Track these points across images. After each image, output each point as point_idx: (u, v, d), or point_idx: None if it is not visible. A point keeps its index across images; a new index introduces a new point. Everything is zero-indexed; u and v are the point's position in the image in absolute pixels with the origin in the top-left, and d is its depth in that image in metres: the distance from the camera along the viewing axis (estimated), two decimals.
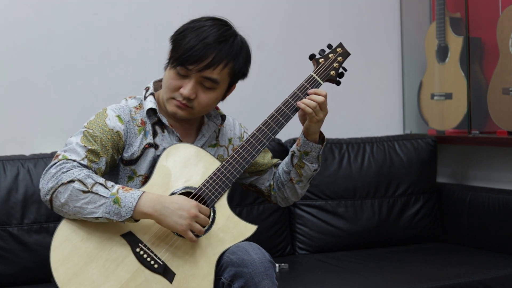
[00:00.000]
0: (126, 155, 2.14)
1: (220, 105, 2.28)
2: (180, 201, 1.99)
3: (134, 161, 2.14)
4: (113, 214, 1.96)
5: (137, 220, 2.00)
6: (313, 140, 2.21)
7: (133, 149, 2.14)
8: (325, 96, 2.15)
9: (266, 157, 2.33)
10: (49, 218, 2.68)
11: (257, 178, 2.33)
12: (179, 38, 2.10)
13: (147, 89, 2.23)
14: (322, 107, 2.14)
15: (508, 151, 3.23)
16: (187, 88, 2.08)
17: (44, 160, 2.75)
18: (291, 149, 2.26)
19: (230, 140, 2.31)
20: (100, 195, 1.97)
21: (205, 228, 2.05)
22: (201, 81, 2.10)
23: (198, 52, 2.05)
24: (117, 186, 2.00)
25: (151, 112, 2.18)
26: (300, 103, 2.13)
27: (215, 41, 2.07)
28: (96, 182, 1.98)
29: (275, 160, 2.36)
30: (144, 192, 2.00)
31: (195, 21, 2.15)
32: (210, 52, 2.06)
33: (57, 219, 2.04)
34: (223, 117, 2.30)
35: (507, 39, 3.05)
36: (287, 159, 2.28)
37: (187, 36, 2.08)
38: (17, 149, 2.88)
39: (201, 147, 2.19)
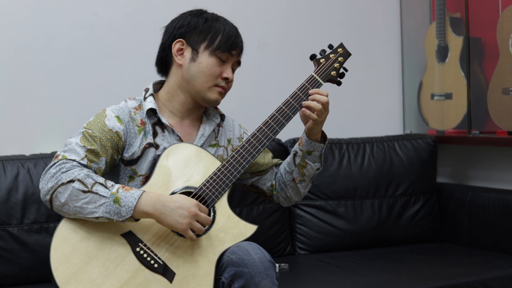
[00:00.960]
0: (126, 155, 2.14)
1: (220, 105, 2.28)
2: (180, 200, 1.99)
3: (134, 161, 2.14)
4: (113, 214, 1.96)
5: (137, 220, 2.00)
6: (315, 139, 2.21)
7: (133, 149, 2.14)
8: (327, 96, 2.16)
9: (266, 157, 2.33)
10: (49, 218, 2.68)
11: (258, 178, 2.33)
12: (209, 27, 2.19)
13: (146, 90, 2.23)
14: (325, 107, 2.15)
15: (508, 151, 3.23)
16: (230, 72, 2.20)
17: (44, 160, 2.75)
18: (293, 149, 2.26)
19: (229, 141, 2.31)
20: (100, 195, 1.97)
21: (206, 227, 2.05)
22: (233, 65, 2.23)
23: (237, 39, 2.21)
24: (117, 186, 2.00)
25: (150, 112, 2.18)
26: (305, 110, 2.14)
27: (236, 29, 2.23)
28: (96, 182, 1.98)
29: (275, 160, 2.35)
30: (144, 191, 2.00)
31: (200, 12, 2.24)
32: (241, 38, 2.23)
33: (57, 219, 2.05)
34: (222, 116, 2.30)
35: (507, 39, 3.05)
36: (289, 159, 2.28)
37: (217, 25, 2.20)
38: (17, 149, 2.88)
39: (201, 146, 2.19)
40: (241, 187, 2.39)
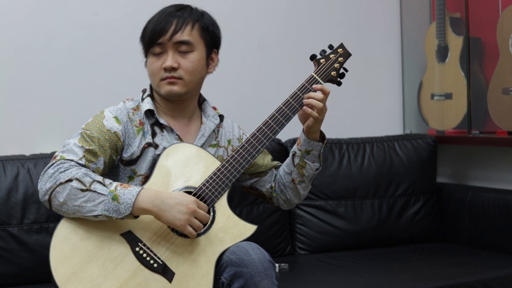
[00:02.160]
0: (126, 155, 2.14)
1: (220, 105, 2.28)
2: (179, 197, 1.99)
3: (134, 161, 2.14)
4: (112, 212, 1.96)
5: (136, 217, 2.00)
6: (314, 138, 2.21)
7: (132, 149, 2.14)
8: (327, 94, 2.16)
9: (266, 159, 2.33)
10: (49, 218, 2.68)
11: (257, 180, 2.32)
12: (143, 29, 2.21)
13: (144, 91, 2.24)
14: (323, 103, 2.15)
15: (508, 151, 3.22)
16: (168, 61, 2.14)
17: (44, 160, 2.75)
18: (291, 150, 2.26)
19: (229, 142, 2.31)
20: (99, 193, 1.97)
21: (205, 226, 2.05)
22: (176, 48, 2.15)
23: (163, 24, 2.15)
24: (115, 184, 2.00)
25: (148, 113, 2.18)
26: (306, 108, 2.14)
27: (174, 10, 2.17)
28: (94, 180, 1.99)
29: (275, 162, 2.35)
30: (142, 188, 2.00)
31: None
32: (173, 19, 2.15)
33: (57, 219, 2.04)
34: (221, 117, 2.30)
35: (507, 39, 3.05)
36: (288, 160, 2.28)
37: (149, 22, 2.20)
38: (17, 149, 2.88)
39: (202, 147, 2.19)
40: (240, 189, 2.39)
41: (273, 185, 2.32)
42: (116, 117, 2.14)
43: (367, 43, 3.59)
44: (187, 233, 2.00)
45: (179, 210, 1.97)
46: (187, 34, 2.15)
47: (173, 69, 2.14)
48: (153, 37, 2.15)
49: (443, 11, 3.38)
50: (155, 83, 2.19)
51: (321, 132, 2.23)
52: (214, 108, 2.31)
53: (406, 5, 3.62)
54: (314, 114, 2.14)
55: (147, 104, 2.18)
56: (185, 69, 2.15)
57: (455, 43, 3.33)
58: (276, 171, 2.34)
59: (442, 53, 3.41)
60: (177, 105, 2.21)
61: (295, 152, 2.24)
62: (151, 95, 2.22)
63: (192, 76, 2.17)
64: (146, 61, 2.23)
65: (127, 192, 1.97)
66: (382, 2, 3.63)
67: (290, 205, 2.34)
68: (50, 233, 2.61)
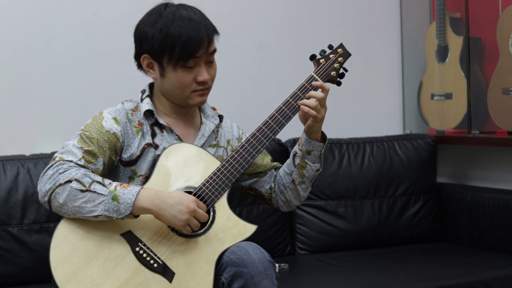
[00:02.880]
0: (125, 156, 2.14)
1: (220, 105, 2.28)
2: (178, 196, 1.99)
3: (133, 161, 2.14)
4: (112, 212, 1.96)
5: (136, 216, 2.00)
6: (315, 138, 2.20)
7: (132, 150, 2.14)
8: (327, 91, 2.15)
9: (265, 159, 2.32)
10: (49, 218, 2.68)
11: (256, 180, 2.31)
12: (165, 37, 2.06)
13: (143, 91, 2.23)
14: (322, 103, 2.13)
15: (508, 151, 3.22)
16: (204, 74, 2.11)
17: (44, 160, 2.75)
18: (292, 150, 2.25)
19: (228, 142, 2.31)
20: (98, 193, 1.97)
21: (205, 226, 2.05)
22: (207, 59, 2.12)
23: (197, 37, 2.06)
24: (114, 184, 2.00)
25: (148, 113, 2.18)
26: (303, 107, 2.13)
27: (197, 20, 2.08)
28: (94, 181, 1.98)
29: (275, 163, 2.34)
30: (142, 187, 2.00)
31: (156, 14, 2.12)
32: (203, 30, 2.08)
33: (57, 219, 2.05)
34: (220, 117, 2.29)
35: (507, 39, 3.05)
36: (288, 160, 2.27)
37: (172, 31, 2.06)
38: (17, 149, 2.88)
39: (202, 147, 2.19)
40: (239, 189, 2.38)
41: (273, 185, 2.31)
42: (115, 118, 2.13)
43: (367, 43, 3.59)
44: (185, 232, 2.00)
45: (179, 209, 1.97)
46: (215, 42, 2.13)
47: (208, 81, 2.13)
48: (191, 51, 2.06)
49: (443, 11, 3.38)
50: (183, 95, 2.13)
51: (323, 133, 2.23)
52: (214, 109, 2.31)
53: (406, 5, 3.62)
54: (311, 112, 2.12)
55: (147, 105, 2.17)
56: (212, 78, 2.15)
57: (455, 43, 3.33)
58: (276, 172, 2.33)
59: (442, 53, 3.41)
60: (183, 107, 2.21)
61: (296, 152, 2.23)
62: (150, 96, 2.21)
63: (213, 82, 2.18)
64: (163, 73, 2.11)
65: (127, 192, 1.97)
66: (382, 2, 3.63)
67: (290, 207, 2.32)
68: (50, 233, 2.61)
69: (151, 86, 2.25)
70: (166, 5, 2.15)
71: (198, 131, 2.23)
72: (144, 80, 2.33)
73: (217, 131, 2.28)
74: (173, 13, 2.09)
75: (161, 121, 2.18)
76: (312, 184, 2.29)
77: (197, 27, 2.07)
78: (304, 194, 2.28)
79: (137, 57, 2.18)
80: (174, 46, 2.06)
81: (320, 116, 2.14)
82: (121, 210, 1.96)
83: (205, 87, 2.14)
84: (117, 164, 2.15)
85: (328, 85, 2.21)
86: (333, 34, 3.46)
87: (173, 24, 2.07)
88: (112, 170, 2.16)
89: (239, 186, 2.34)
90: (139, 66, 2.19)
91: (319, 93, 2.13)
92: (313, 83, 2.16)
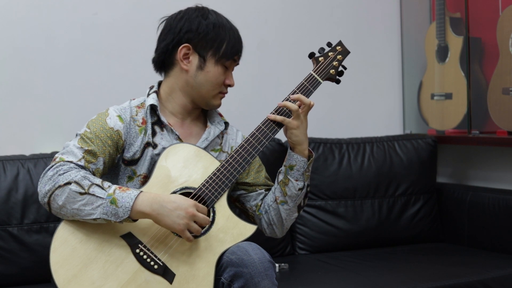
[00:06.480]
0: (128, 155, 2.14)
1: (221, 106, 2.28)
2: (178, 200, 1.98)
3: (135, 161, 2.14)
4: (110, 215, 1.96)
5: (135, 220, 2.00)
6: (298, 152, 2.15)
7: (135, 149, 2.14)
8: (308, 106, 2.12)
9: (259, 173, 2.27)
10: (49, 218, 2.68)
11: (243, 193, 2.26)
12: (216, 34, 2.15)
13: (151, 87, 2.23)
14: (295, 116, 2.11)
15: (508, 151, 3.22)
16: (232, 80, 2.22)
17: (44, 160, 2.75)
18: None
19: (231, 148, 2.28)
20: (97, 196, 1.96)
21: (205, 228, 2.05)
22: (233, 67, 2.23)
23: (240, 44, 2.21)
24: (114, 187, 1.99)
25: (151, 110, 2.17)
26: (275, 116, 2.13)
27: (238, 32, 2.22)
28: (93, 184, 1.98)
29: (269, 183, 2.28)
30: (141, 191, 1.99)
31: (204, 12, 2.19)
32: (242, 42, 2.23)
33: (57, 219, 2.05)
34: (226, 124, 2.28)
35: (507, 39, 3.05)
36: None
37: (222, 32, 2.17)
38: (17, 149, 2.88)
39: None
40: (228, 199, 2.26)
41: (259, 203, 2.25)
42: (119, 116, 2.13)
43: (367, 43, 3.59)
44: (184, 238, 1.99)
45: (178, 214, 1.96)
46: None
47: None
48: (234, 53, 2.19)
49: (443, 11, 3.38)
50: (212, 92, 2.18)
51: (311, 152, 2.19)
52: (220, 115, 2.30)
53: (406, 5, 3.62)
54: (286, 121, 2.11)
55: (152, 100, 2.17)
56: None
57: (455, 43, 3.33)
58: (267, 192, 2.27)
59: (442, 53, 3.41)
60: (194, 109, 2.22)
61: (281, 169, 2.19)
62: (157, 92, 2.21)
63: None
64: (202, 65, 2.16)
65: (125, 195, 1.97)
66: (382, 2, 3.63)
67: (273, 231, 2.23)
68: (50, 233, 2.62)
69: (159, 83, 2.25)
70: (203, 7, 2.22)
71: (202, 133, 2.22)
72: (143, 80, 2.34)
73: (222, 136, 2.27)
74: (220, 18, 2.20)
75: (163, 118, 2.17)
76: (298, 210, 2.22)
77: (239, 35, 2.21)
78: (286, 217, 2.19)
79: (170, 47, 2.17)
80: (222, 43, 2.15)
81: (294, 123, 2.11)
82: (119, 214, 1.96)
83: (226, 92, 2.21)
84: (119, 163, 2.14)
85: (327, 83, 2.21)
86: (332, 34, 3.45)
87: (224, 26, 2.17)
88: (112, 169, 2.15)
89: (229, 195, 2.25)
90: (163, 58, 2.19)
91: (293, 105, 2.12)
92: (291, 96, 2.14)
